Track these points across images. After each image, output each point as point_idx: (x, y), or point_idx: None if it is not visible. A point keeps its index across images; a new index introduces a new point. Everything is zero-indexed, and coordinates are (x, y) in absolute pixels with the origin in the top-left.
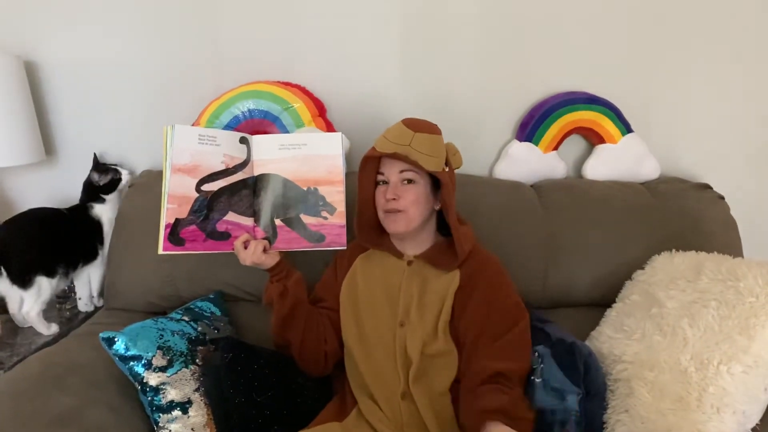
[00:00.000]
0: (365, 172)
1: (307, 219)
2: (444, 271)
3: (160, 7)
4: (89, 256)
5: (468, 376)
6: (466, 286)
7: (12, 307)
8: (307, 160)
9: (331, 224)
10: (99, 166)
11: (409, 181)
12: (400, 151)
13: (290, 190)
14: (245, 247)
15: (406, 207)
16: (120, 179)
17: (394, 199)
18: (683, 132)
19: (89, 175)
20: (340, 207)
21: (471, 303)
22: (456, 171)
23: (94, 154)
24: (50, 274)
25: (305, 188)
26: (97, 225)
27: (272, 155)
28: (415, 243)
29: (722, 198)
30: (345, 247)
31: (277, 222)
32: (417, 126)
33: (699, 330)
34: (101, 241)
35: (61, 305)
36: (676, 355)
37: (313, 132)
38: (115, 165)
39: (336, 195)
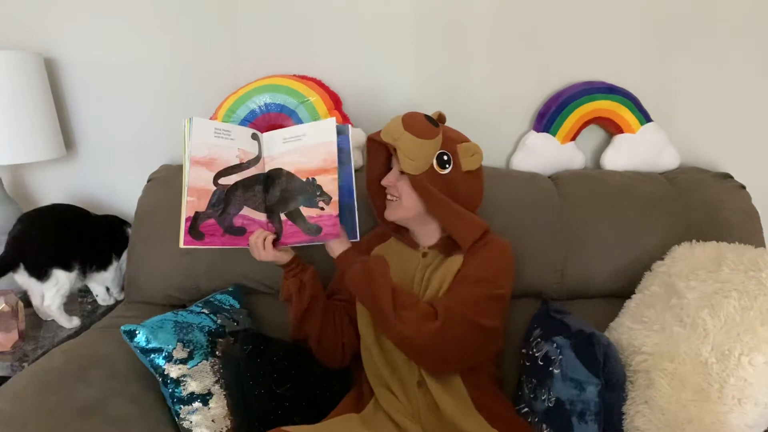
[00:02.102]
0: (374, 156)
1: (306, 211)
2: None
3: (178, 3)
4: (102, 264)
5: None
6: (466, 265)
7: (35, 300)
8: (307, 150)
9: (327, 215)
10: None
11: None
12: (391, 142)
13: (292, 183)
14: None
15: (399, 196)
16: None
17: (388, 184)
18: (703, 121)
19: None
20: (335, 196)
21: (458, 275)
22: None
23: None
24: (67, 267)
25: (304, 180)
26: (123, 241)
27: (278, 150)
28: (425, 233)
29: (743, 187)
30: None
31: (282, 217)
32: (410, 124)
33: (720, 321)
34: (118, 255)
35: (83, 299)
36: (696, 347)
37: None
38: None
39: (331, 184)
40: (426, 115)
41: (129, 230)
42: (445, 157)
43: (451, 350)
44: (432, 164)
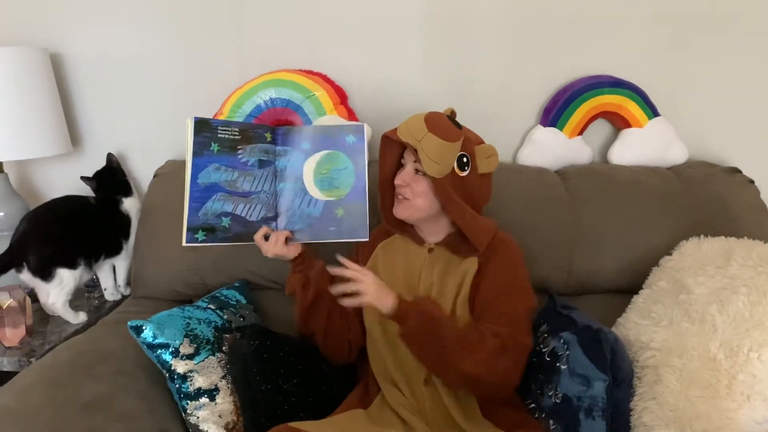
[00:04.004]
0: (386, 153)
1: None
2: (463, 258)
3: None
4: (112, 250)
5: None
6: (484, 268)
7: (41, 297)
8: None
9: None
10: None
11: (422, 172)
12: (412, 143)
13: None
14: (266, 240)
15: (412, 196)
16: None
17: (401, 184)
18: (711, 115)
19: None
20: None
21: (483, 283)
22: None
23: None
24: (71, 266)
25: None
26: (125, 219)
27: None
28: (433, 230)
29: (752, 182)
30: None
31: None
32: (433, 125)
33: (728, 317)
34: (126, 236)
35: (90, 294)
36: (705, 342)
37: (334, 120)
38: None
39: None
40: (448, 116)
41: (123, 207)
42: (465, 159)
43: (515, 378)
44: (453, 166)
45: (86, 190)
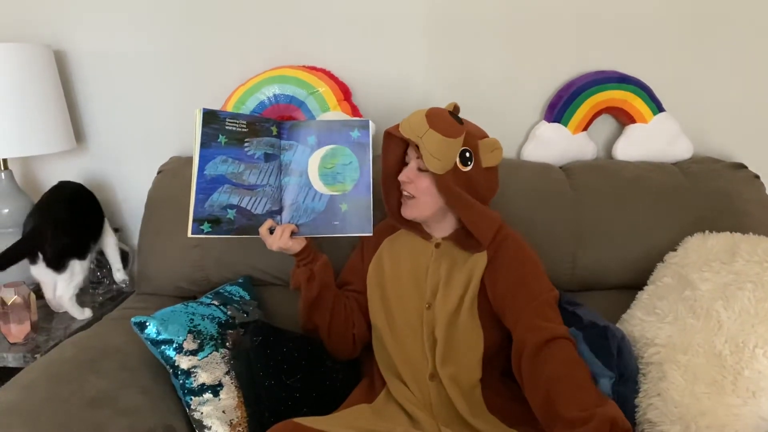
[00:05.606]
0: (389, 149)
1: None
2: (471, 253)
3: None
4: (98, 232)
5: (522, 341)
6: (494, 263)
7: (47, 292)
8: None
9: None
10: None
11: (425, 168)
12: (414, 140)
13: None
14: (271, 233)
15: (417, 194)
16: None
17: (405, 181)
18: (717, 110)
19: None
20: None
21: (501, 275)
22: None
23: None
24: (83, 255)
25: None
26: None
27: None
28: (440, 226)
29: (757, 177)
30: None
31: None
32: (434, 122)
33: (734, 313)
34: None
35: (94, 290)
36: (710, 339)
37: (338, 116)
38: None
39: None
40: (450, 112)
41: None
42: (468, 154)
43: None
44: (455, 162)
45: (89, 187)
